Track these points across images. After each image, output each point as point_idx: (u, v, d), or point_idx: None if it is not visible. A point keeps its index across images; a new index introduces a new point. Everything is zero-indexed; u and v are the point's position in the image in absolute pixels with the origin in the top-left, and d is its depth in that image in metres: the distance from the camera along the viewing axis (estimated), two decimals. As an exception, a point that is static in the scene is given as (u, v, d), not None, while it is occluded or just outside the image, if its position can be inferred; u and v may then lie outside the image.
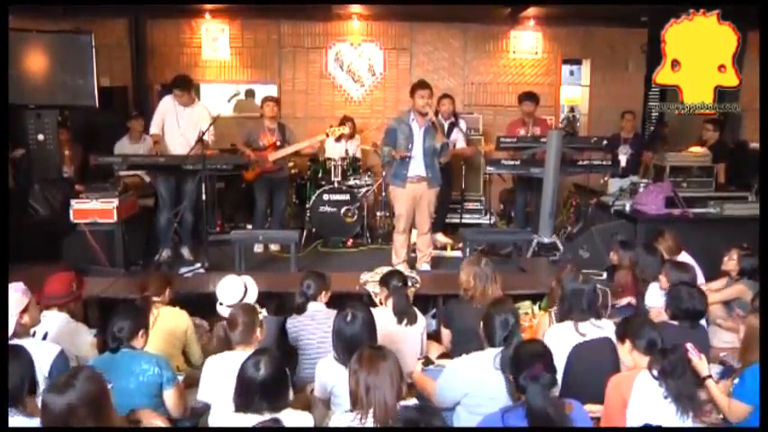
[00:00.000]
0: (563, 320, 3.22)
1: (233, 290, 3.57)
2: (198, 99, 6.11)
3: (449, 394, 2.80)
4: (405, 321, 3.46)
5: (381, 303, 3.73)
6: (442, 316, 4.04)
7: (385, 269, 4.27)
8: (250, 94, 8.16)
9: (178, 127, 5.67)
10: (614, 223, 5.50)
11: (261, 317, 3.06)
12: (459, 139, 6.57)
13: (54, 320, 3.22)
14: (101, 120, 7.00)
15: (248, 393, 2.36)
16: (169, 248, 5.69)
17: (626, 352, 2.78)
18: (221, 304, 3.57)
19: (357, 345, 2.64)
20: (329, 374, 2.84)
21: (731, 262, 4.19)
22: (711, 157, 5.95)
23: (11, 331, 2.74)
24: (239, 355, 2.84)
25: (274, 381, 2.37)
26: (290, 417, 2.37)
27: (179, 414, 2.87)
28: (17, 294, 2.82)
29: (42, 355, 2.73)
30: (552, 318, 3.45)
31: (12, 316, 2.75)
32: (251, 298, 3.55)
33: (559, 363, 2.74)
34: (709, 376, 2.84)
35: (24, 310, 2.83)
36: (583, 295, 3.17)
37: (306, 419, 2.43)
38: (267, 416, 2.31)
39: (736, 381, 2.83)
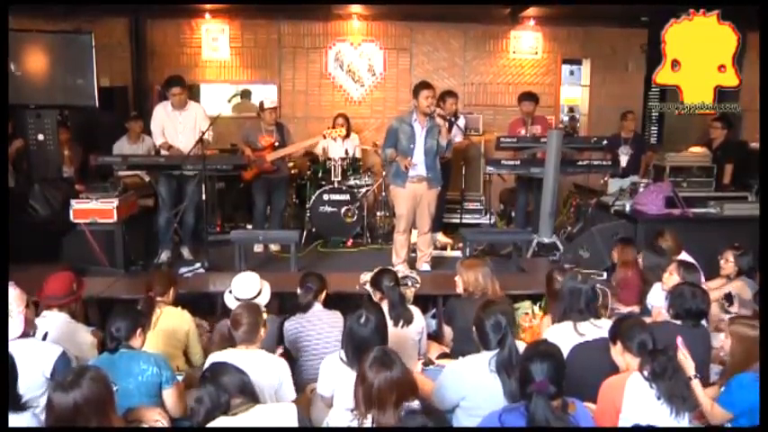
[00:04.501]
0: (561, 320, 3.22)
1: (249, 286, 3.57)
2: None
3: (447, 397, 2.78)
4: (401, 323, 3.45)
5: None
6: (443, 313, 4.04)
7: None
8: (247, 94, 8.13)
9: (176, 133, 5.67)
10: (614, 223, 5.49)
11: (264, 317, 3.06)
12: (457, 135, 6.57)
13: (54, 320, 3.23)
14: (101, 120, 7.01)
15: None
16: (169, 248, 5.70)
17: (618, 353, 2.77)
18: (230, 293, 3.59)
19: (367, 347, 2.61)
20: (332, 374, 2.83)
21: (728, 264, 4.19)
22: (719, 156, 5.92)
23: (21, 329, 2.73)
24: (242, 353, 2.86)
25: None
26: (270, 410, 2.37)
27: (179, 414, 2.86)
28: (15, 292, 2.80)
29: (44, 356, 2.73)
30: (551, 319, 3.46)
31: (18, 313, 2.74)
32: (262, 300, 3.54)
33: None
34: (696, 376, 2.82)
35: (26, 306, 2.83)
36: (581, 295, 3.17)
37: (288, 411, 2.41)
38: (242, 416, 2.29)
39: (723, 389, 2.81)
